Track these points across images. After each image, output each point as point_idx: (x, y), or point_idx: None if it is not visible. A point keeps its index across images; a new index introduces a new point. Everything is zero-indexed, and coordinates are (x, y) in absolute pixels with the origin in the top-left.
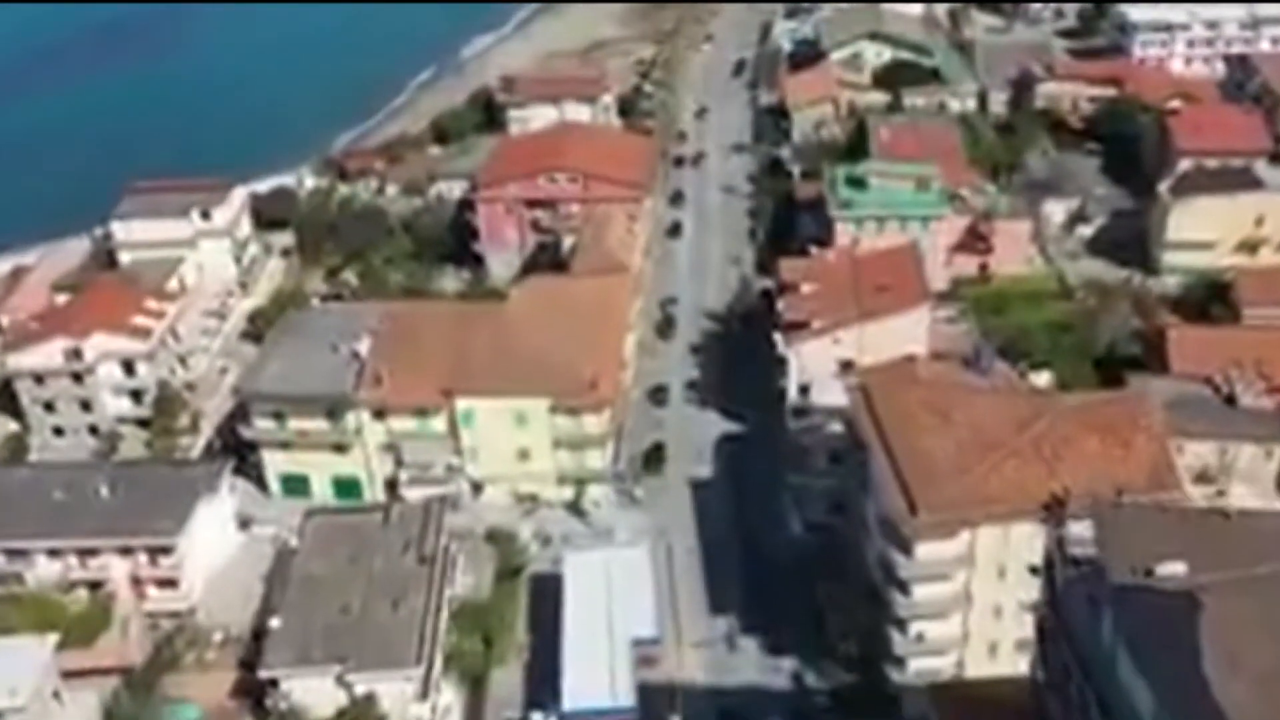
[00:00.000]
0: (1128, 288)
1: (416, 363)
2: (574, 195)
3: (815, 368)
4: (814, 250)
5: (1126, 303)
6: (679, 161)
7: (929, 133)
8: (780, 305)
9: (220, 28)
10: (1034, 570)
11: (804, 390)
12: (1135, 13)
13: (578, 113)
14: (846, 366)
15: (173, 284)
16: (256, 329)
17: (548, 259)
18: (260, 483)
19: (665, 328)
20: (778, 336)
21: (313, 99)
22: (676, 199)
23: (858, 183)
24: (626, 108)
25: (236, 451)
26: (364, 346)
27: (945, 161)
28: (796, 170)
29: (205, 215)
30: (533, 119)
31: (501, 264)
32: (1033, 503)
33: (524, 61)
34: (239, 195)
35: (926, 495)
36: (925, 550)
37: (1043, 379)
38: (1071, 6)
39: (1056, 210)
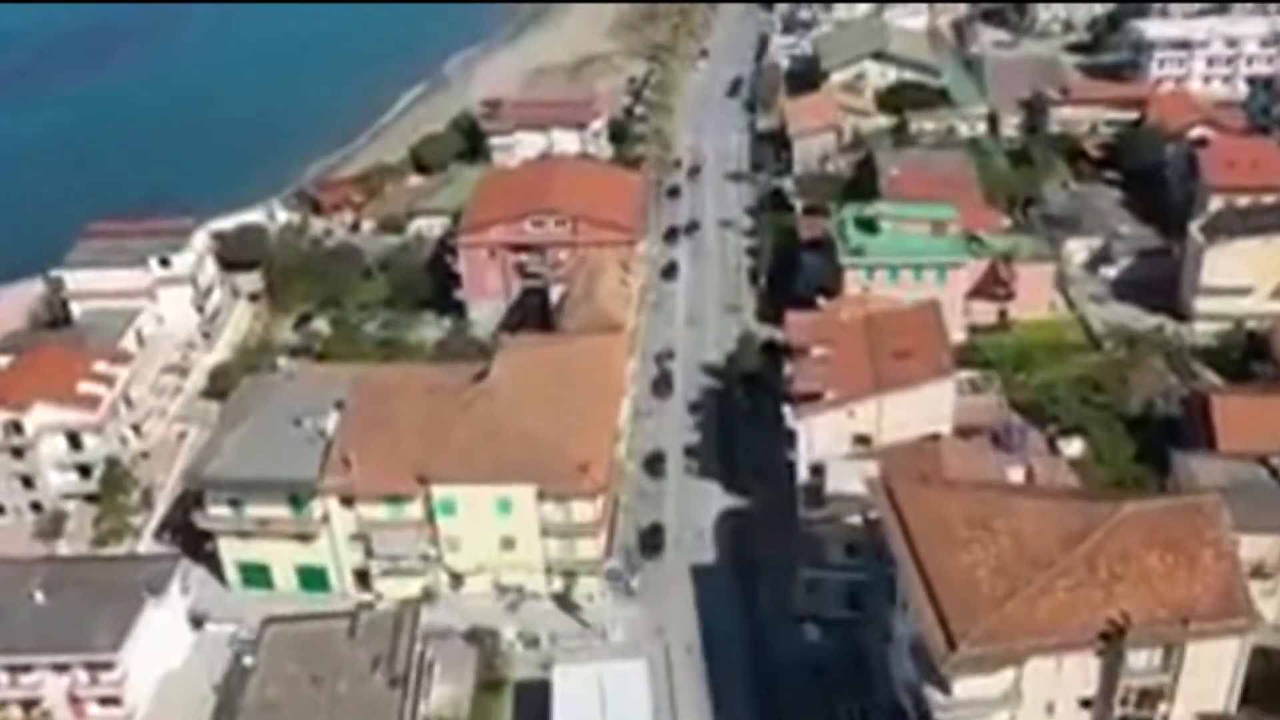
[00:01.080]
0: (1159, 337)
1: (388, 444)
2: (563, 240)
3: (828, 443)
4: (822, 301)
5: (1159, 357)
6: (673, 192)
7: (941, 167)
8: (788, 369)
9: (190, 41)
10: (1087, 704)
11: (816, 471)
12: (1152, 29)
13: (566, 141)
14: (862, 441)
15: (128, 338)
16: (218, 387)
17: (534, 307)
18: (217, 570)
19: (662, 385)
20: (786, 409)
21: (288, 120)
22: (671, 235)
23: (868, 226)
24: (618, 132)
25: (192, 534)
26: (330, 423)
27: (960, 199)
28: (799, 205)
29: (164, 263)
30: (518, 147)
31: (484, 312)
32: (1088, 631)
33: (510, 78)
34: (201, 238)
35: (966, 625)
36: (964, 687)
37: (1074, 448)
38: (1082, 19)
39: (1078, 249)
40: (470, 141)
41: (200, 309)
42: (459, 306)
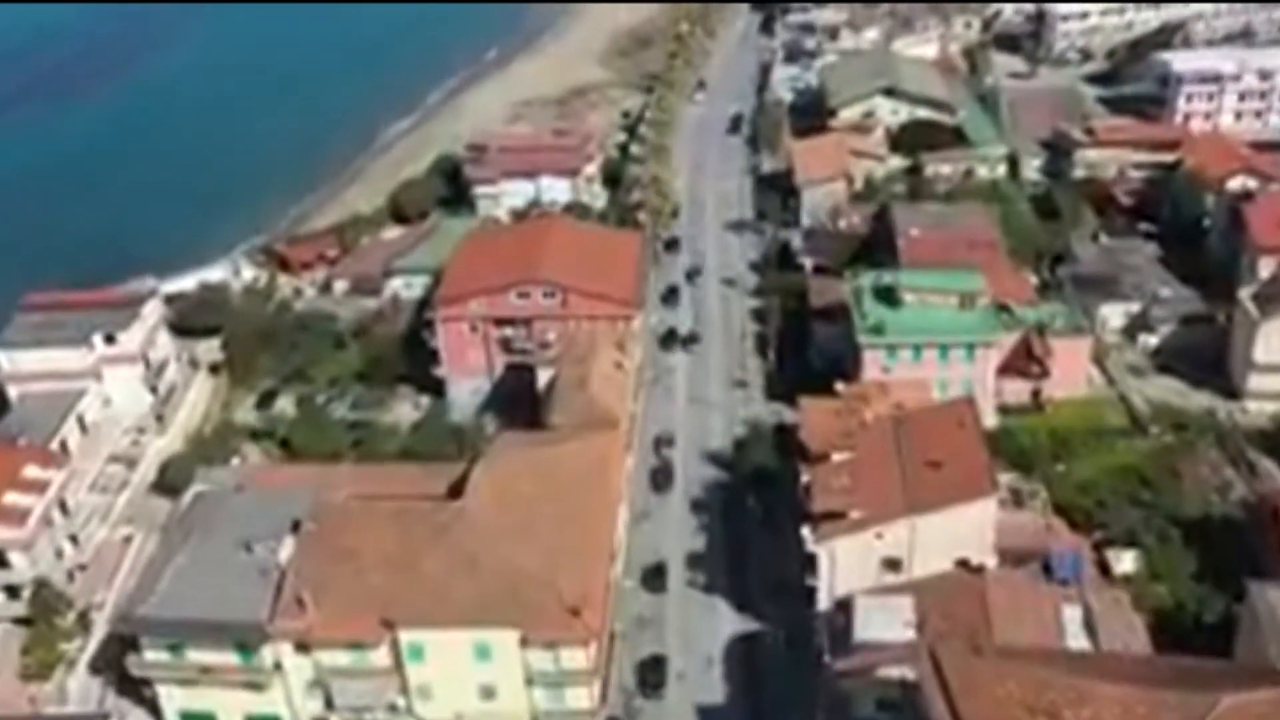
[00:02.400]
0: (1211, 421)
1: (350, 579)
2: (551, 313)
3: (853, 568)
4: (840, 387)
5: (1212, 444)
6: (671, 245)
7: (964, 225)
8: (805, 478)
9: (158, 71)
10: None
11: (841, 605)
12: (1179, 61)
13: (556, 189)
14: (891, 565)
15: (69, 426)
16: (169, 480)
17: (520, 385)
18: (157, 715)
19: (662, 478)
20: (805, 530)
21: (258, 158)
22: (670, 296)
23: (888, 296)
24: (612, 176)
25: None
26: (285, 550)
27: (986, 262)
28: (808, 264)
29: (110, 339)
30: (505, 196)
31: (465, 391)
32: None
33: (497, 110)
34: (153, 309)
35: None
36: None
37: (1126, 562)
38: (1100, 46)
39: (1114, 314)
40: (453, 187)
41: (153, 388)
42: (438, 383)
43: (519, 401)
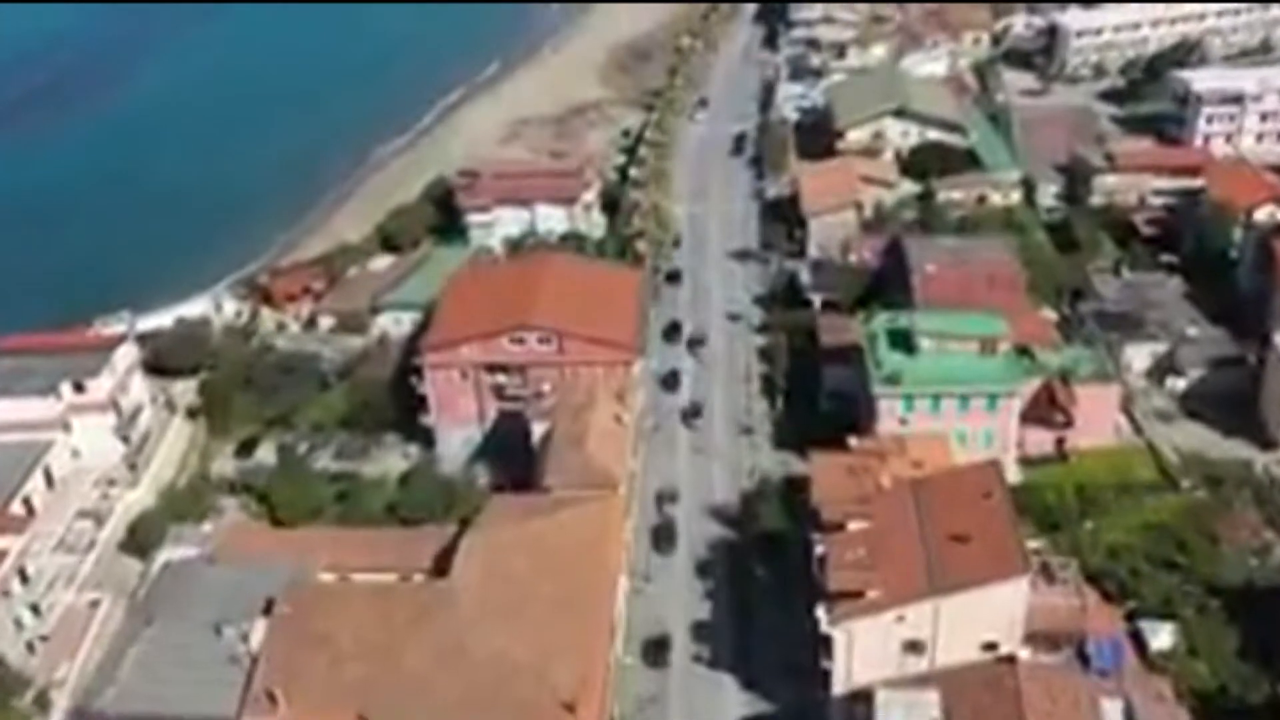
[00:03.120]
0: (1247, 474)
1: (325, 670)
2: (547, 359)
3: (872, 651)
4: (853, 442)
5: (1251, 505)
6: (673, 277)
7: (982, 260)
8: (819, 548)
9: (142, 88)
10: None
11: (861, 698)
12: (1199, 81)
13: (553, 218)
14: (913, 648)
15: (34, 481)
16: (139, 539)
17: (514, 433)
18: None
19: (663, 538)
20: (820, 611)
21: (244, 182)
22: (672, 333)
23: (903, 342)
24: (611, 202)
25: None
26: (256, 634)
27: (1006, 302)
28: (817, 300)
29: (79, 388)
30: (498, 225)
31: (456, 441)
32: None
33: (493, 129)
34: (126, 354)
35: None
36: None
37: (1164, 637)
38: (1114, 63)
39: (1139, 355)
40: (446, 214)
41: (125, 437)
42: (427, 431)
43: (513, 451)
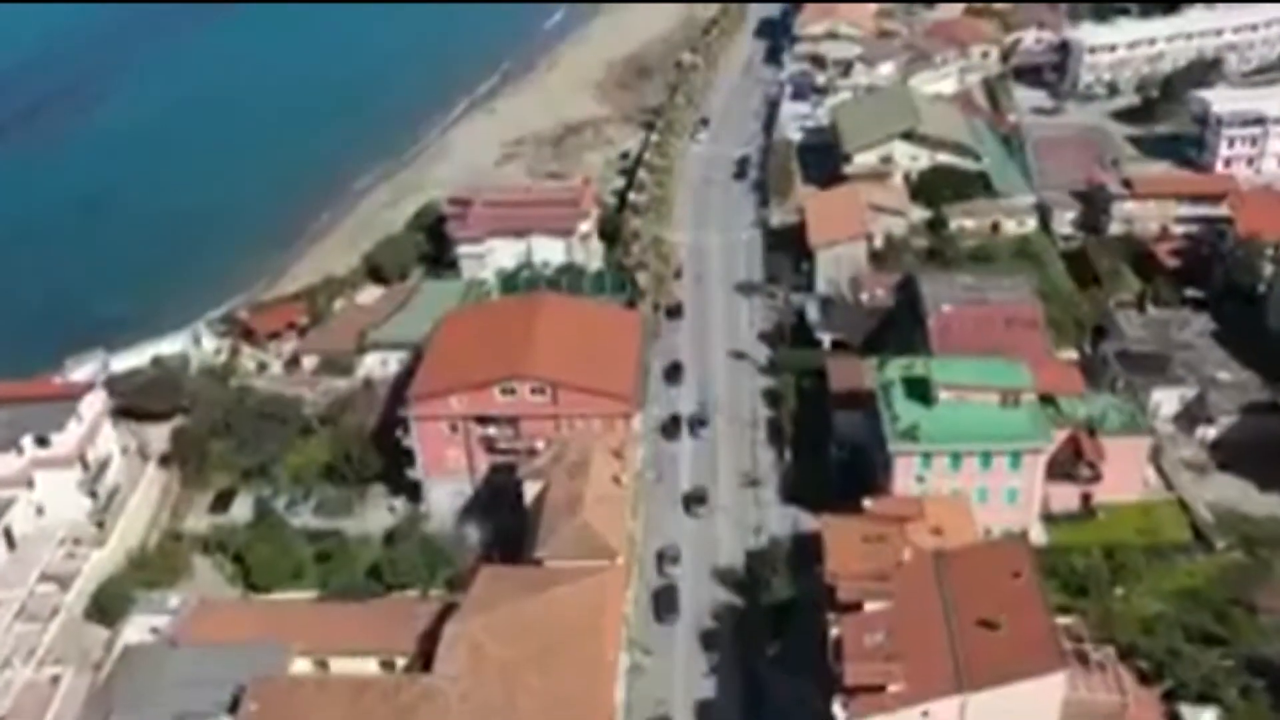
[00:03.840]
0: None
1: None
2: (540, 411)
3: None
4: (868, 504)
5: None
6: (673, 312)
7: (1001, 300)
8: (834, 632)
9: (123, 103)
10: None
11: None
12: (1220, 101)
13: (548, 249)
14: None
15: None
16: (104, 607)
17: (506, 487)
18: None
19: (665, 604)
20: (837, 707)
21: (228, 208)
22: (673, 373)
23: (920, 392)
24: (609, 229)
25: None
26: None
27: (1027, 347)
28: (826, 340)
29: (43, 442)
30: (491, 256)
31: (444, 495)
32: None
33: (488, 150)
34: (93, 403)
35: None
36: None
37: None
38: (1128, 80)
39: (1167, 400)
40: (436, 243)
41: (92, 493)
42: (414, 483)
43: (505, 507)
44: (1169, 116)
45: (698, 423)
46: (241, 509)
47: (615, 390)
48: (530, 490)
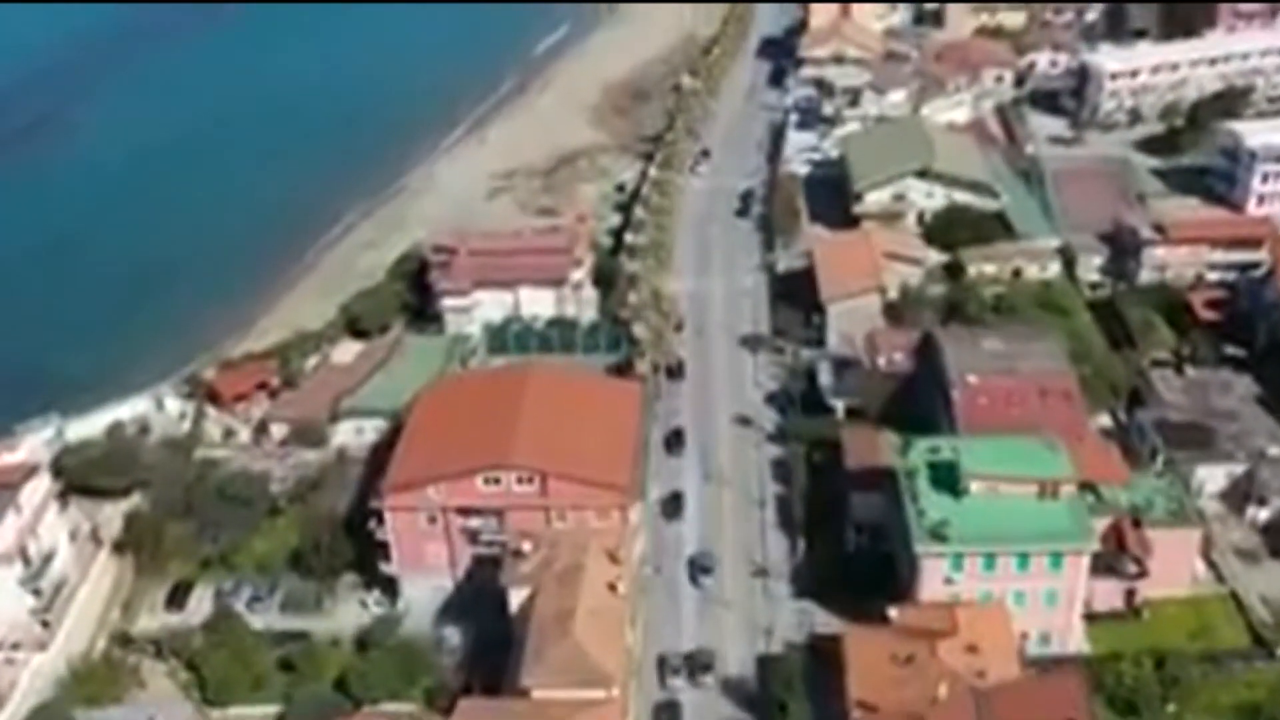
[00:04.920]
0: None
1: None
2: (528, 503)
3: None
4: (893, 613)
5: None
6: (674, 372)
7: (1030, 365)
8: None
9: (89, 136)
10: None
11: None
12: (1253, 135)
13: (538, 301)
14: None
15: None
16: None
17: (491, 581)
18: None
19: None
20: None
21: (193, 255)
22: (674, 441)
23: (948, 481)
24: (604, 271)
25: None
26: None
27: (1063, 422)
28: (840, 407)
29: None
30: (478, 309)
31: (424, 590)
32: None
33: (476, 184)
34: (36, 489)
35: None
36: None
37: None
38: (1151, 107)
39: (1213, 477)
40: (419, 293)
41: (35, 590)
42: (391, 579)
43: (489, 604)
44: (1194, 147)
45: (701, 570)
46: (200, 604)
47: (611, 480)
48: (516, 598)
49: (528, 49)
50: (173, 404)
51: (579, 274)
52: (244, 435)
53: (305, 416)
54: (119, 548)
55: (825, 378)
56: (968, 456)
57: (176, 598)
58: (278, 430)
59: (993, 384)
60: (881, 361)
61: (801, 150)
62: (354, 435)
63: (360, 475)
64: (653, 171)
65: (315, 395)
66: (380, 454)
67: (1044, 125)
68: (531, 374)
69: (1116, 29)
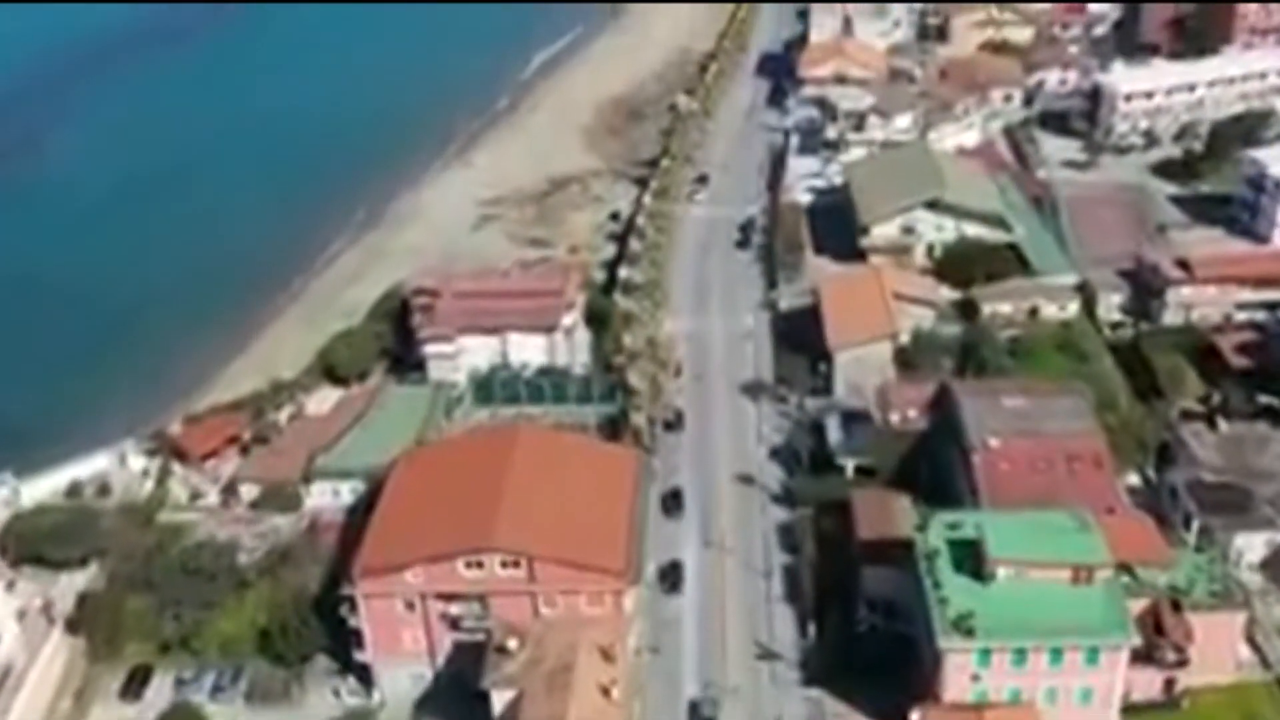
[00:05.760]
0: None
1: None
2: (514, 588)
3: None
4: (915, 717)
5: None
6: (671, 425)
7: (1057, 431)
8: None
9: (47, 151)
10: None
11: None
12: (1277, 164)
13: (528, 347)
14: None
15: None
16: None
17: (475, 668)
18: None
19: None
20: None
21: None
22: (672, 503)
23: (972, 564)
24: (597, 310)
25: None
26: None
27: (1093, 492)
28: (849, 466)
29: None
30: (463, 356)
31: (401, 679)
32: None
33: (462, 212)
34: None
35: None
36: None
37: None
38: (1167, 129)
39: (1252, 546)
40: (401, 336)
41: None
42: (365, 667)
43: (471, 694)
44: (1214, 173)
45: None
46: (158, 694)
47: (605, 564)
48: (499, 701)
49: (518, 69)
50: (136, 461)
51: (570, 318)
52: (212, 496)
53: (277, 477)
54: (72, 626)
55: (834, 434)
56: (994, 537)
57: (133, 686)
58: (247, 491)
59: (1016, 448)
60: (894, 418)
61: (803, 176)
62: (330, 497)
63: (335, 544)
64: (648, 200)
65: (289, 452)
66: (356, 520)
67: (1056, 148)
68: (518, 440)
69: (1126, 44)
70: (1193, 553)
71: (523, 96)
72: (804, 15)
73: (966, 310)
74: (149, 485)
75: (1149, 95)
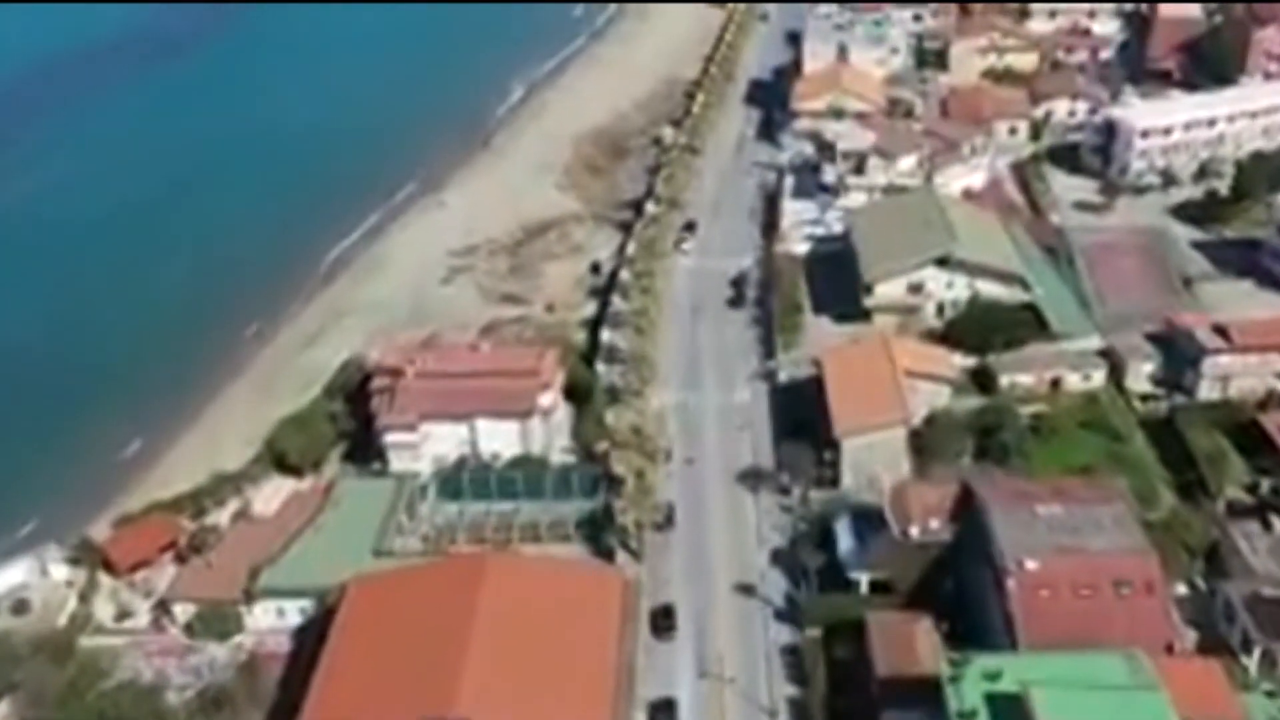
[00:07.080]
0: None
1: None
2: None
3: None
4: None
5: None
6: (661, 526)
7: (1102, 549)
8: None
9: None
10: None
11: None
12: None
13: (499, 435)
14: None
15: None
16: None
17: None
18: None
19: None
20: None
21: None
22: (663, 621)
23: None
24: (578, 388)
25: None
26: None
27: (1146, 626)
28: (863, 581)
29: None
30: (426, 444)
31: None
32: None
33: (428, 263)
34: None
35: None
36: None
37: None
38: (1185, 168)
39: None
40: (359, 418)
41: None
42: None
43: None
44: (1240, 215)
45: None
46: None
47: None
48: None
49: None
50: (59, 571)
51: (548, 399)
52: (142, 615)
53: (215, 594)
54: None
55: (844, 543)
56: (1041, 700)
57: None
58: (181, 612)
59: (1055, 570)
60: (914, 531)
61: (800, 223)
62: (274, 617)
63: (277, 683)
64: (631, 250)
65: (230, 563)
66: (304, 652)
67: (1067, 187)
68: (485, 575)
69: (1136, 71)
70: (1262, 696)
71: (498, 128)
72: (795, 40)
73: (981, 381)
74: (72, 602)
75: (1167, 131)
